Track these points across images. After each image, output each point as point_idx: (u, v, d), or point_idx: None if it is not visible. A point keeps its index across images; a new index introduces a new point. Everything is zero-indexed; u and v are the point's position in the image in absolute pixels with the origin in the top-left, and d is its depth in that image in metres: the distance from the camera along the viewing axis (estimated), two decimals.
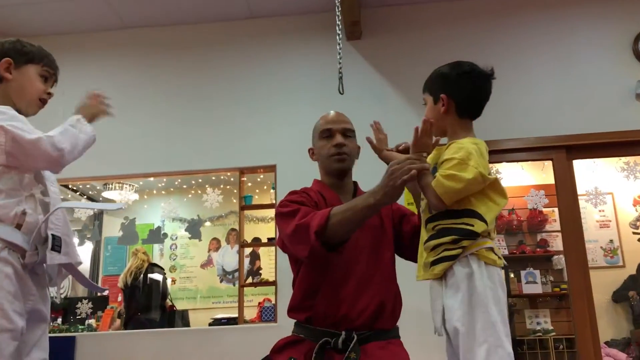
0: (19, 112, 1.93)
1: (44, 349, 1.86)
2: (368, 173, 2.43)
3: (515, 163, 5.62)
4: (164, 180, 6.40)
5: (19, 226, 1.74)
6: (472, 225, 1.85)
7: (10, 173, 1.77)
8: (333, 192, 2.14)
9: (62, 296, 5.34)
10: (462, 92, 2.00)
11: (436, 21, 4.68)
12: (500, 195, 1.93)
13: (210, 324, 4.54)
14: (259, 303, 4.63)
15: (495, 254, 1.86)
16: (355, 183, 2.26)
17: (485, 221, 1.86)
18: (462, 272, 1.83)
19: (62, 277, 1.93)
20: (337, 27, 3.49)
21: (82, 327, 4.45)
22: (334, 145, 2.15)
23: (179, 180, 6.58)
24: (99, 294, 5.03)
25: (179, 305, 6.12)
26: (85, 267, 6.96)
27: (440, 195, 1.82)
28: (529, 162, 5.50)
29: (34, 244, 1.75)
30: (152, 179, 5.85)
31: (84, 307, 4.68)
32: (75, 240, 5.48)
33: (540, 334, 5.51)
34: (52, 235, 1.78)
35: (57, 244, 1.78)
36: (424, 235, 1.96)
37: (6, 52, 1.95)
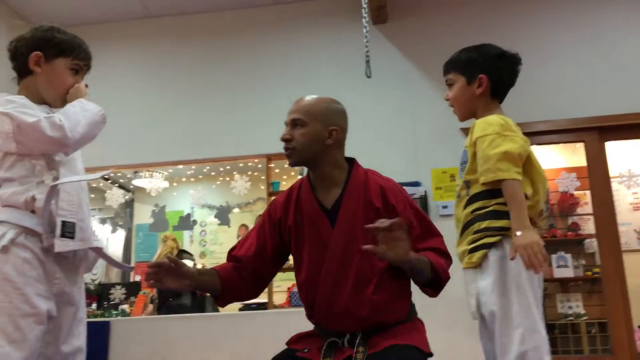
0: (47, 104, 1.91)
1: (77, 336, 1.85)
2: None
3: (546, 146, 5.53)
4: (193, 167, 6.46)
5: (33, 212, 1.74)
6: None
7: (23, 161, 1.77)
8: (309, 190, 1.98)
9: (96, 282, 5.45)
10: (500, 74, 2.01)
11: (463, 3, 4.61)
12: (537, 170, 1.91)
13: (240, 309, 4.59)
14: (288, 288, 4.67)
15: None
16: (350, 168, 1.99)
17: (526, 195, 1.84)
18: (496, 254, 1.81)
19: (90, 263, 1.91)
20: (363, 11, 3.47)
21: (116, 312, 4.54)
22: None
23: (208, 168, 6.64)
24: (131, 280, 5.12)
25: None
26: (117, 253, 7.09)
27: (508, 177, 1.78)
28: (560, 144, 5.40)
29: (48, 227, 1.74)
30: (181, 166, 5.91)
31: (118, 293, 4.77)
32: (108, 228, 5.57)
33: (572, 318, 5.44)
34: (63, 221, 1.75)
35: (68, 230, 1.75)
36: (461, 218, 1.94)
37: (37, 43, 1.89)
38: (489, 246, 1.82)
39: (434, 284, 1.83)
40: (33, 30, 1.93)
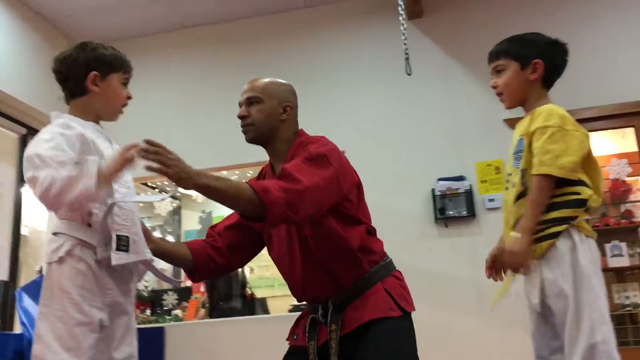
0: (101, 118, 1.97)
1: (129, 344, 1.90)
2: None
3: (594, 132, 5.38)
4: (237, 172, 6.54)
5: (89, 225, 1.81)
6: (579, 194, 1.80)
7: None
8: (270, 168, 2.10)
9: (149, 289, 5.58)
10: (555, 61, 1.98)
11: None
12: (595, 166, 1.88)
13: (289, 311, 4.63)
14: None
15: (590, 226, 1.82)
16: (295, 138, 2.03)
17: (589, 186, 1.81)
18: (566, 244, 1.78)
19: (140, 273, 1.97)
20: (399, 8, 3.45)
21: (170, 317, 4.64)
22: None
23: (251, 172, 6.69)
24: (182, 286, 5.22)
25: (259, 293, 6.25)
26: None
27: (561, 175, 1.76)
28: (609, 129, 5.25)
29: (102, 240, 1.80)
30: (225, 172, 5.99)
31: (170, 299, 4.87)
32: (157, 235, 5.67)
33: (630, 308, 5.28)
34: (117, 235, 1.80)
35: (123, 244, 1.81)
36: (514, 212, 1.90)
37: (90, 63, 1.94)
38: (555, 235, 1.79)
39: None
40: (78, 50, 1.96)
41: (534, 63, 1.96)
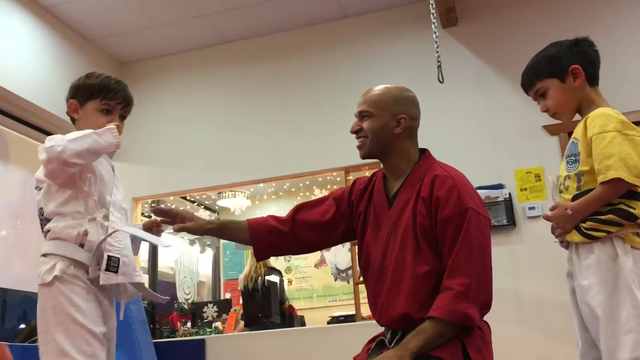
0: None
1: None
2: None
3: None
4: (273, 185, 6.60)
5: (81, 245, 1.84)
6: (634, 208, 1.73)
7: (77, 198, 1.87)
8: (381, 180, 1.98)
9: (189, 301, 5.64)
10: (587, 57, 1.93)
11: None
12: None
13: (328, 322, 4.62)
14: None
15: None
16: (421, 158, 1.96)
17: None
18: (605, 253, 1.72)
19: (127, 295, 1.97)
20: (431, 16, 3.45)
21: (210, 329, 4.69)
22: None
23: (288, 184, 6.76)
24: (222, 298, 5.27)
25: (297, 305, 6.27)
26: (207, 272, 7.34)
27: (630, 180, 1.68)
28: None
29: (95, 260, 1.84)
30: (262, 184, 6.05)
31: (210, 311, 4.92)
32: (197, 248, 5.77)
33: None
34: (108, 256, 1.83)
35: (113, 265, 1.83)
36: None
37: (74, 92, 2.03)
38: (591, 237, 1.74)
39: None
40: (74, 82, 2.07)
41: (572, 70, 1.90)
